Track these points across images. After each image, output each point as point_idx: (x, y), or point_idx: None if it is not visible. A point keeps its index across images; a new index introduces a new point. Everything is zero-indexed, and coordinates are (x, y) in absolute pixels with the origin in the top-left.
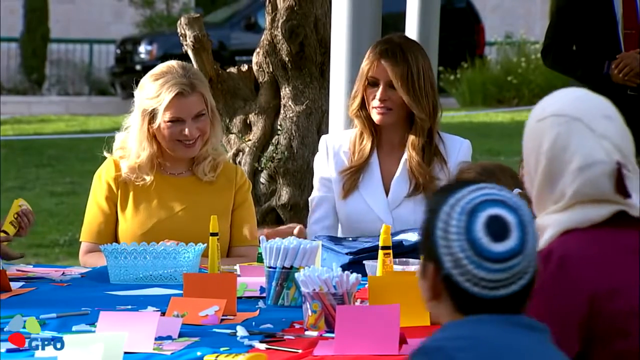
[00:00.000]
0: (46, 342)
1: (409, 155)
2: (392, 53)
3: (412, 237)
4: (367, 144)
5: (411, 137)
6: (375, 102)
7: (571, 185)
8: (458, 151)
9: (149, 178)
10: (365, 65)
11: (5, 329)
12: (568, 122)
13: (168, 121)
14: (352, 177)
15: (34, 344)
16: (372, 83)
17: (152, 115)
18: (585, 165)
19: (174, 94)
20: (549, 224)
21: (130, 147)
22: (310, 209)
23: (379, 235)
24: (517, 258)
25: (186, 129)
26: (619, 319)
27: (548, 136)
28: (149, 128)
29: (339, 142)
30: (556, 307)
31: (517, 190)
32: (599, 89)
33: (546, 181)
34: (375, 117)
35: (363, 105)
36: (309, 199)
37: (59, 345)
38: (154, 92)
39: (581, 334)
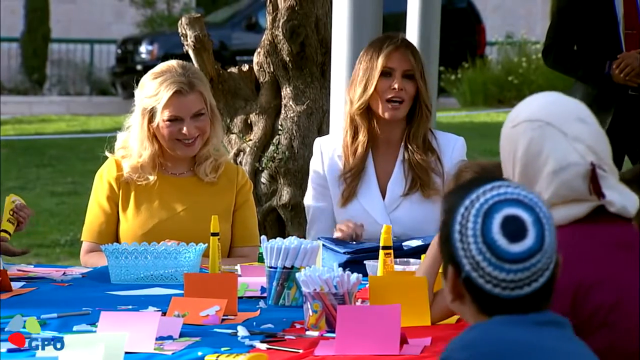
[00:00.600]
0: (46, 342)
1: (409, 149)
2: (406, 44)
3: (415, 243)
4: (362, 145)
5: (413, 131)
6: (389, 94)
7: (547, 189)
8: (452, 149)
9: (152, 177)
10: (378, 57)
11: (5, 329)
12: (541, 127)
13: (167, 120)
14: (351, 184)
15: (34, 344)
16: (385, 74)
17: (151, 114)
18: (559, 169)
19: (172, 92)
20: None
21: (132, 146)
22: (307, 217)
23: (379, 239)
24: (536, 257)
25: (184, 128)
26: (602, 312)
27: (522, 142)
28: (149, 127)
29: (332, 146)
30: None
31: None
32: (600, 89)
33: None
34: (387, 111)
35: (373, 100)
36: (305, 204)
37: (58, 345)
38: (152, 90)
39: None
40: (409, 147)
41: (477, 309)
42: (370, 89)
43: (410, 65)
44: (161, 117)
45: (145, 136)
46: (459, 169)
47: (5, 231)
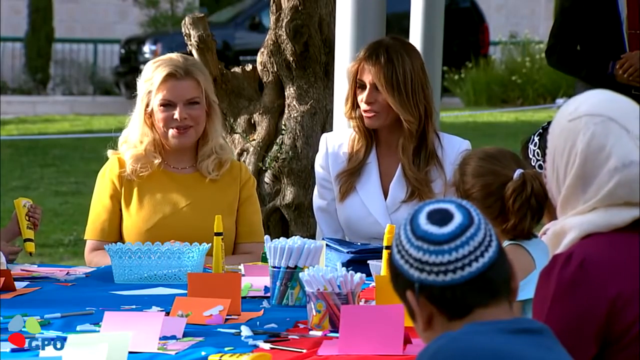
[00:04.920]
0: (46, 342)
1: (400, 159)
2: (376, 55)
3: None
4: (362, 146)
5: (401, 141)
6: (363, 105)
7: (606, 185)
8: (457, 152)
9: (157, 161)
10: (352, 67)
11: (5, 329)
12: (604, 122)
13: (160, 105)
14: (349, 180)
15: (34, 344)
16: (360, 86)
17: (148, 99)
18: (622, 166)
19: (165, 74)
20: (571, 227)
21: (133, 135)
22: (316, 217)
23: (379, 239)
24: (470, 230)
25: (177, 113)
26: (638, 326)
27: (582, 136)
28: (146, 112)
29: (339, 142)
30: (575, 309)
31: (519, 171)
32: (604, 89)
33: (579, 181)
34: (365, 120)
35: (356, 107)
36: (314, 201)
37: (58, 345)
38: (149, 74)
39: (599, 337)
40: (399, 156)
41: (446, 319)
42: (350, 100)
43: (375, 78)
44: (155, 101)
45: (144, 123)
46: (462, 159)
47: (30, 239)
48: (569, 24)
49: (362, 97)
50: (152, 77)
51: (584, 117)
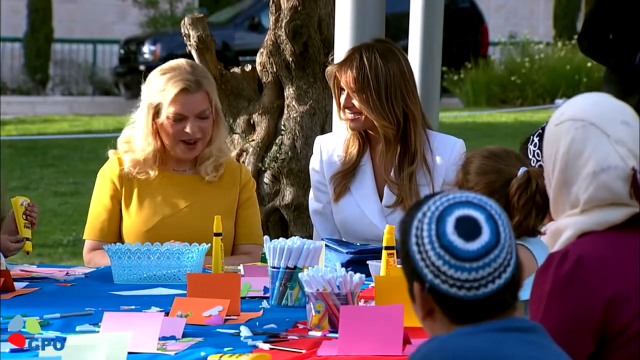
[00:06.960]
0: (46, 342)
1: (381, 163)
2: (349, 59)
3: None
4: (356, 147)
5: (379, 146)
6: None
7: (586, 191)
8: (451, 151)
9: (152, 173)
10: (331, 72)
11: (5, 330)
12: (584, 127)
13: (171, 118)
14: (343, 181)
15: (34, 344)
16: (341, 89)
17: (157, 110)
18: (599, 170)
19: (179, 89)
20: (567, 225)
21: (136, 141)
22: (312, 219)
23: (380, 241)
24: (494, 252)
25: (188, 127)
26: (637, 322)
27: (564, 140)
28: (154, 123)
29: (333, 144)
30: (571, 307)
31: (523, 169)
32: (630, 78)
33: (562, 185)
34: (347, 122)
35: (342, 110)
36: (309, 204)
37: (58, 345)
38: (160, 86)
39: (595, 335)
40: (378, 164)
41: (448, 320)
42: (336, 102)
43: (345, 83)
44: (166, 114)
45: (149, 131)
46: (466, 158)
47: (27, 239)
48: (603, 12)
49: (341, 100)
50: (164, 89)
51: (566, 122)
